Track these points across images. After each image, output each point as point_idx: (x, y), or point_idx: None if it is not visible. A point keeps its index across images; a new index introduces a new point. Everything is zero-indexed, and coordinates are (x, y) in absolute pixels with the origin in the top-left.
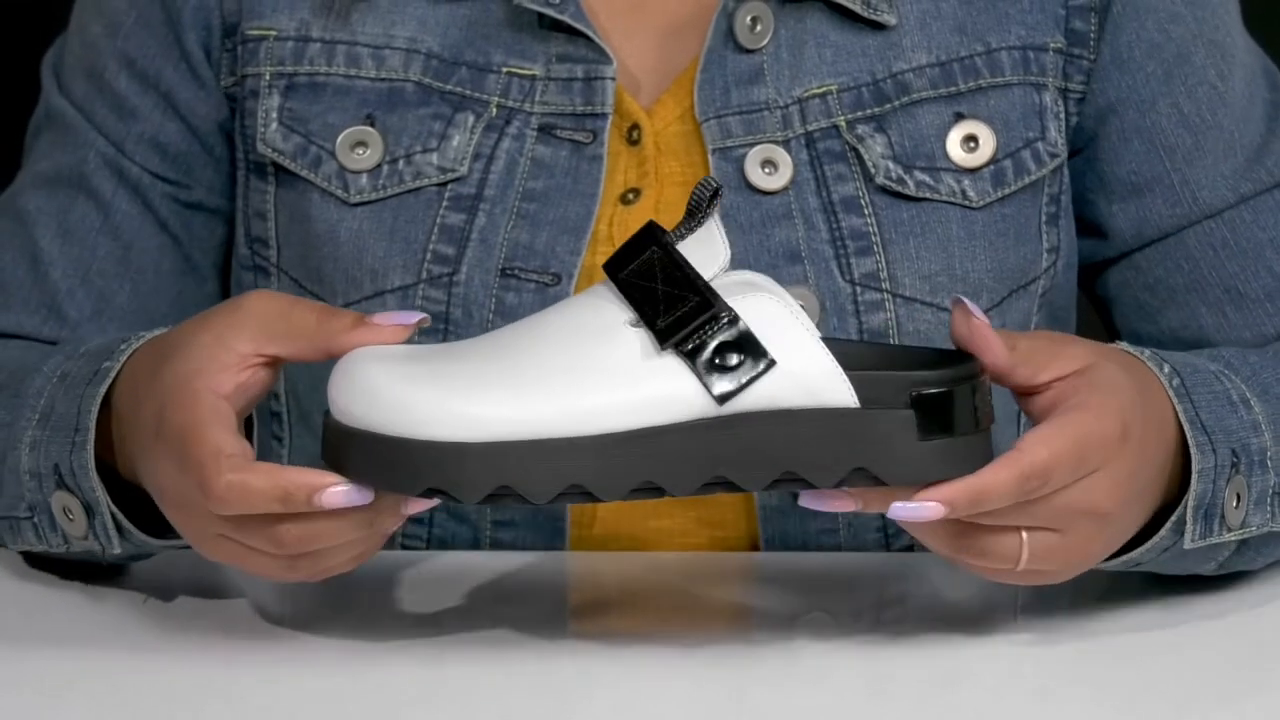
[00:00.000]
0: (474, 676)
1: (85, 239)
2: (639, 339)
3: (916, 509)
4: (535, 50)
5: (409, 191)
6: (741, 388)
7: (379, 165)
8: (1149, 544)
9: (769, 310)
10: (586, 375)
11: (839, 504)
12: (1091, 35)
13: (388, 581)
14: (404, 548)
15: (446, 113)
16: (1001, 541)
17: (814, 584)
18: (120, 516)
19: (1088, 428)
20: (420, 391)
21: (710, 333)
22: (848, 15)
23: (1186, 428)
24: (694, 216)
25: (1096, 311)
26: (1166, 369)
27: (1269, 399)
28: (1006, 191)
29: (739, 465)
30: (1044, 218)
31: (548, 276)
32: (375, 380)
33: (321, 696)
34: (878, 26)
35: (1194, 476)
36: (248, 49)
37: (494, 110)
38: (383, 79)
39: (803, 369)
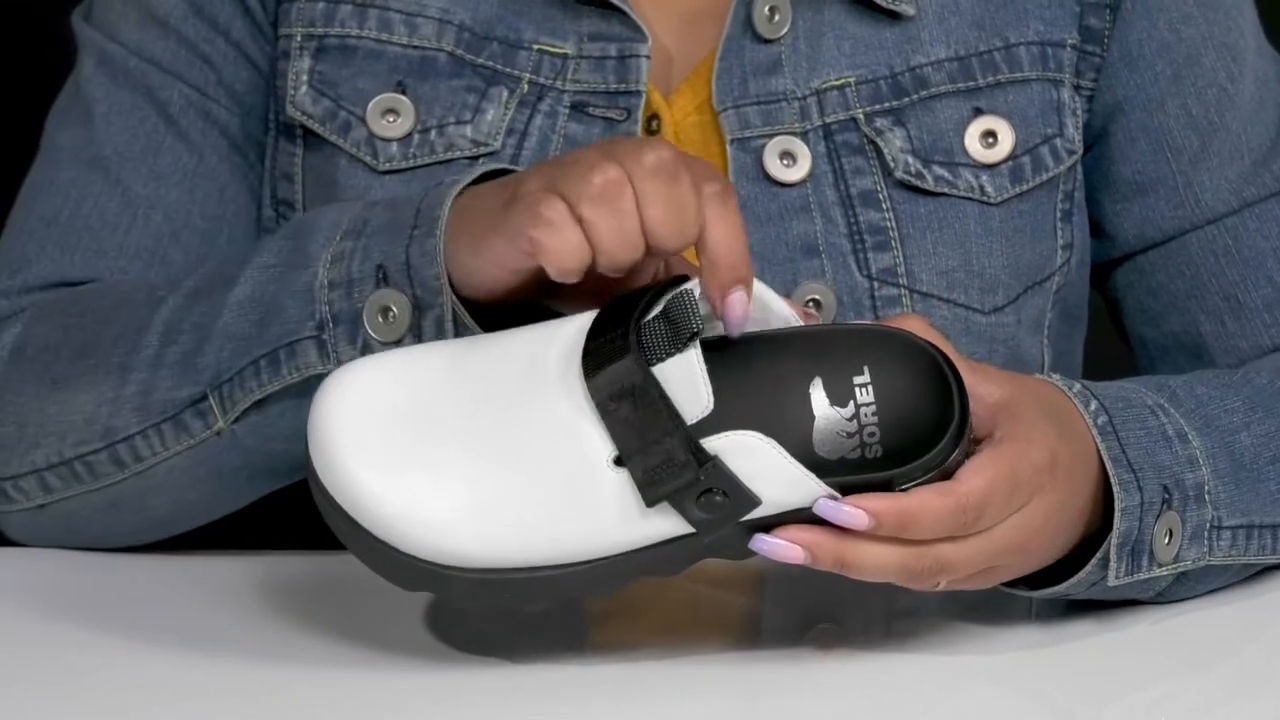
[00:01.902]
0: (482, 684)
1: (181, 182)
2: (622, 479)
3: (842, 512)
4: (566, 29)
5: (440, 163)
6: (726, 523)
7: (410, 134)
8: (1076, 578)
9: (756, 454)
10: (573, 517)
11: (791, 556)
12: (1105, 32)
13: (379, 584)
14: None
15: (480, 86)
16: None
17: (824, 594)
18: (459, 304)
19: (1020, 456)
20: (403, 510)
21: (695, 488)
22: (866, 6)
23: (1109, 466)
24: (679, 334)
25: (1108, 310)
26: (1093, 406)
27: (1211, 432)
28: (1024, 188)
29: (729, 551)
30: (1059, 214)
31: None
32: (357, 487)
33: (329, 698)
34: (896, 17)
35: (1117, 515)
36: (281, 9)
37: (525, 86)
38: (415, 46)
39: (789, 499)
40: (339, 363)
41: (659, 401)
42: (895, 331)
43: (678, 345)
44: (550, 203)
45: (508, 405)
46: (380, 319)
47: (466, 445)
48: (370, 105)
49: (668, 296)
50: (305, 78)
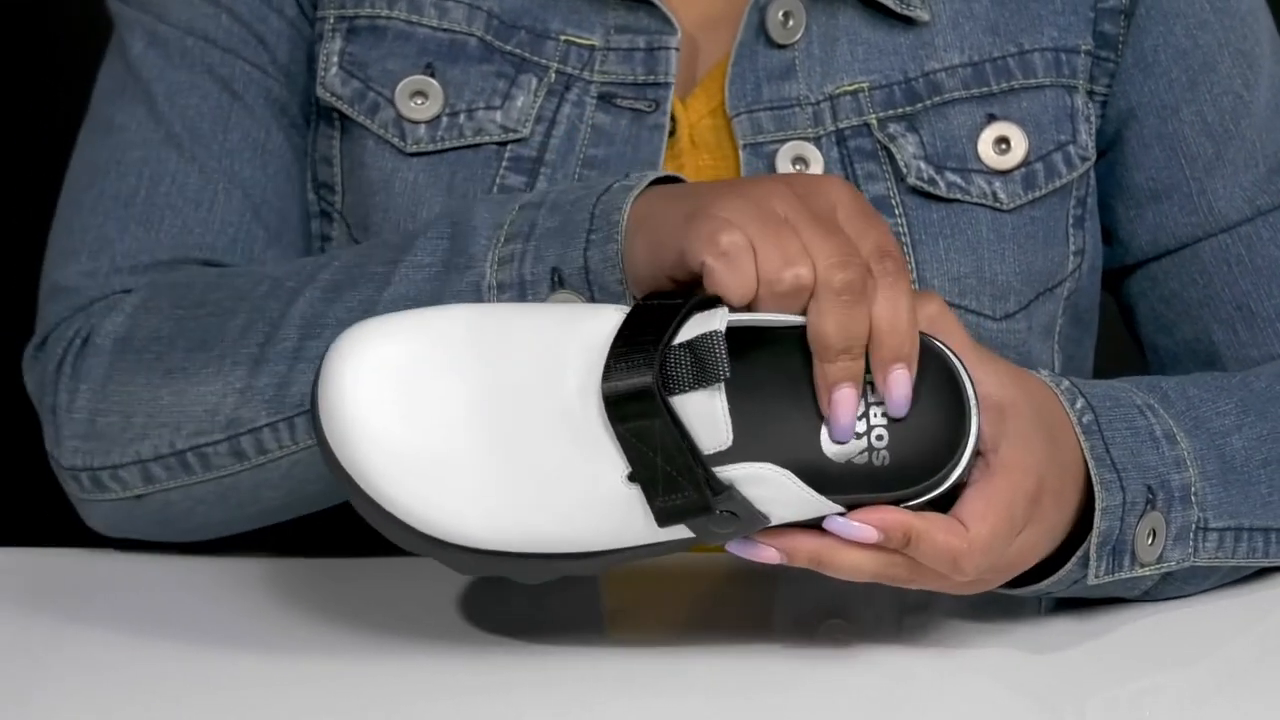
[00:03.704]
0: (492, 676)
1: (254, 158)
2: (634, 493)
3: (851, 529)
4: (593, 21)
5: (468, 147)
6: (732, 536)
7: (438, 117)
8: (1055, 577)
9: (771, 484)
10: (582, 521)
11: (765, 556)
12: (1120, 38)
13: (405, 583)
14: None
15: (510, 72)
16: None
17: (836, 588)
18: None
19: (1015, 490)
20: (412, 490)
21: (708, 513)
22: (880, 12)
23: (1092, 465)
24: (704, 372)
25: (1121, 317)
26: (1079, 404)
27: (1201, 433)
28: (1037, 194)
29: (725, 540)
30: (1071, 220)
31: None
32: (367, 461)
33: (332, 694)
34: (910, 23)
35: (1098, 514)
36: None
37: (553, 75)
38: (445, 29)
39: (796, 518)
40: None
41: (676, 436)
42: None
43: (702, 383)
44: (730, 233)
45: (525, 403)
46: None
47: (480, 436)
48: (399, 87)
49: (697, 331)
50: (335, 59)
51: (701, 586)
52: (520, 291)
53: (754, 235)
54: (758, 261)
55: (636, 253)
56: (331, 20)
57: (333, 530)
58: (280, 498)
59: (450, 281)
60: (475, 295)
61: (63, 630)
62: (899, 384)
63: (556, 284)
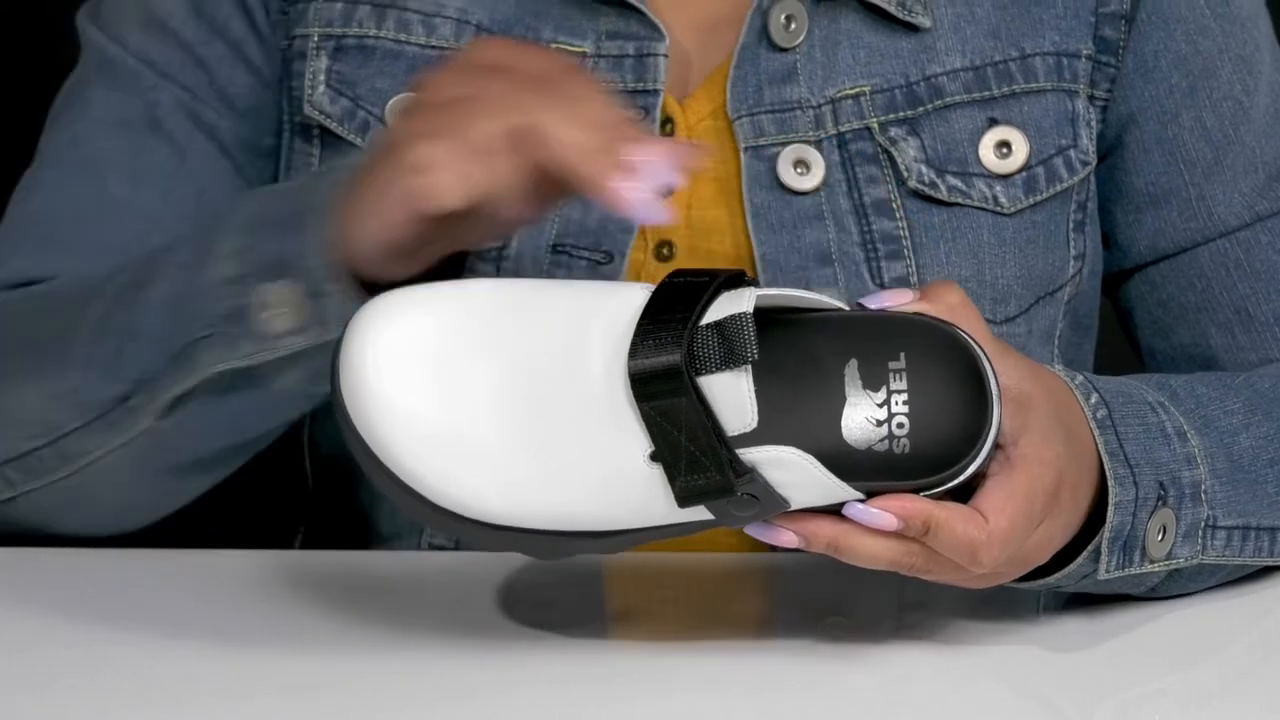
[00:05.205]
0: (497, 675)
1: (159, 184)
2: (655, 472)
3: (871, 515)
4: (584, 27)
5: None
6: (752, 520)
7: None
8: (1066, 570)
9: (794, 468)
10: (603, 500)
11: (783, 539)
12: (1120, 43)
13: (414, 582)
14: (432, 548)
15: None
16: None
17: (835, 586)
18: (356, 287)
19: (1034, 484)
20: (434, 468)
21: (728, 495)
22: (882, 16)
23: (1106, 460)
24: (732, 354)
25: (1119, 321)
26: (1094, 399)
27: (1211, 432)
28: (1038, 198)
29: (743, 523)
30: (1072, 225)
31: (599, 254)
32: (388, 434)
33: (332, 694)
34: (912, 28)
35: (1111, 508)
36: (297, 10)
37: None
38: (433, 47)
39: (817, 502)
40: (247, 357)
41: (702, 416)
42: (940, 324)
43: (729, 364)
44: (412, 148)
45: (547, 379)
46: (281, 309)
47: (502, 412)
48: (389, 105)
49: (724, 312)
50: (323, 77)
51: (702, 586)
52: (242, 284)
53: (427, 131)
54: (454, 149)
55: (359, 226)
56: (316, 38)
57: (332, 529)
58: (112, 500)
59: (193, 279)
60: (209, 292)
61: (59, 630)
62: (626, 192)
63: (273, 274)
